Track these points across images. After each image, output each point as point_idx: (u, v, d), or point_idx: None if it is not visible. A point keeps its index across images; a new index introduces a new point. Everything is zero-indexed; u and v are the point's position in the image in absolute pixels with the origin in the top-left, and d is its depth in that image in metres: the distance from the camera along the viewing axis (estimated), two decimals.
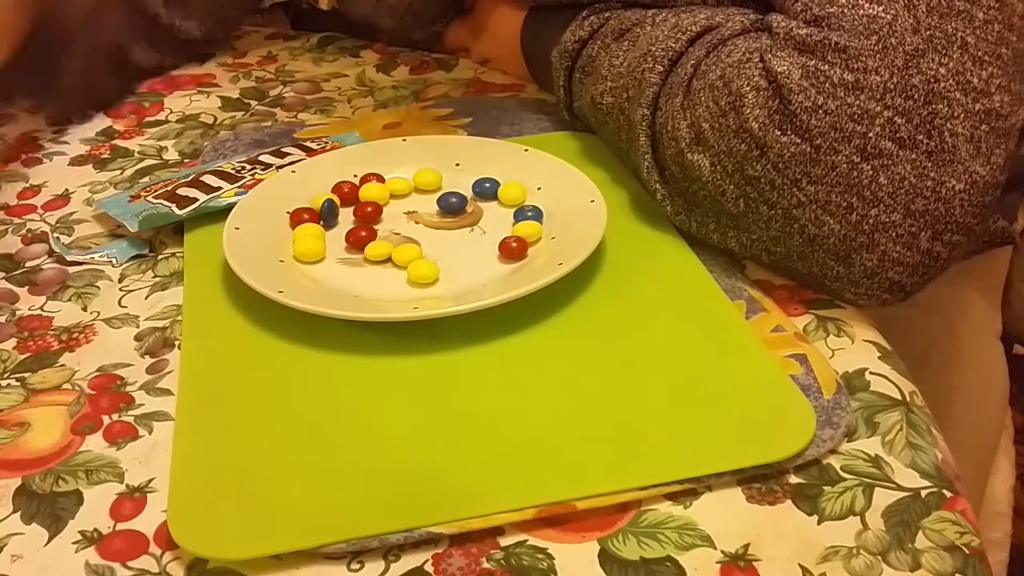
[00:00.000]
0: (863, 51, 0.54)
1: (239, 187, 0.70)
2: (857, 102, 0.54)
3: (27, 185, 0.78)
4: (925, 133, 0.54)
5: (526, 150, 0.72)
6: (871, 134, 0.54)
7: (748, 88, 0.58)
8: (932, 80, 0.54)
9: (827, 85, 0.55)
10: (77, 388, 0.57)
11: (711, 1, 0.68)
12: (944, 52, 0.54)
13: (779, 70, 0.56)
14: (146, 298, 0.64)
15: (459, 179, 0.71)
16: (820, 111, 0.55)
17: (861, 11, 0.55)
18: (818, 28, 0.56)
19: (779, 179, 0.57)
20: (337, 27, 1.01)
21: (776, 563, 0.46)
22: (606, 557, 0.47)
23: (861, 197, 0.55)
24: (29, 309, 0.64)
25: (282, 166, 0.72)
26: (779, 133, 0.56)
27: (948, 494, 0.50)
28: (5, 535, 0.49)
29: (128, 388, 0.57)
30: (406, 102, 0.88)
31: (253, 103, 0.89)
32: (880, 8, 0.55)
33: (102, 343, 0.61)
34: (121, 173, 0.79)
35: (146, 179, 0.77)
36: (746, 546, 0.47)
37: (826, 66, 0.55)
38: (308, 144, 0.76)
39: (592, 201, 0.66)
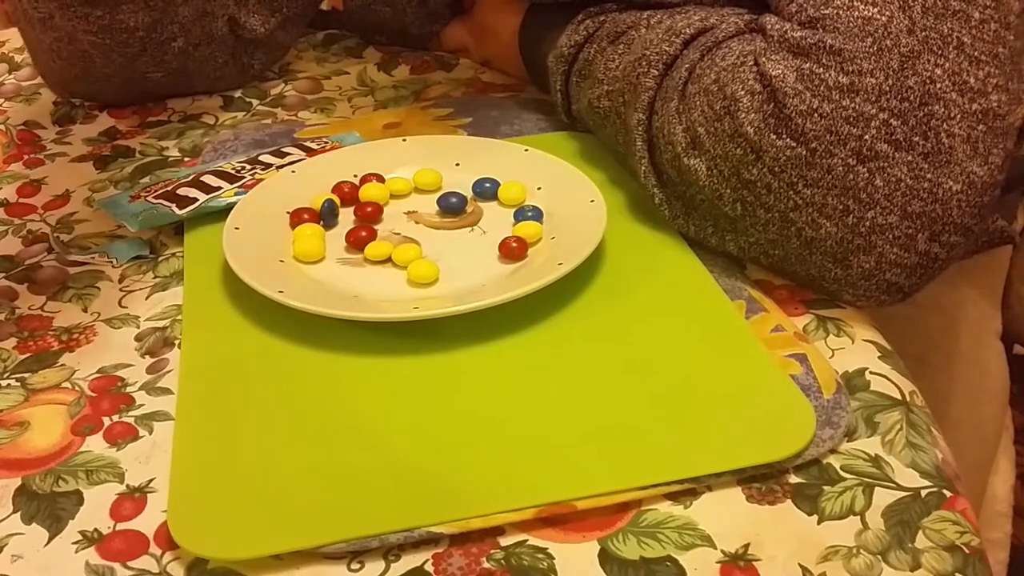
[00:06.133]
0: (858, 53, 0.54)
1: (239, 187, 0.70)
2: (852, 105, 0.54)
3: (27, 182, 0.78)
4: (921, 135, 0.54)
5: (526, 150, 0.72)
6: (867, 137, 0.54)
7: (743, 92, 0.58)
8: (928, 81, 0.54)
9: (822, 88, 0.55)
10: (77, 388, 0.57)
11: (706, 1, 0.68)
12: (940, 53, 0.54)
13: (773, 73, 0.56)
14: (146, 299, 0.64)
15: (459, 179, 0.71)
16: (815, 114, 0.55)
17: (856, 13, 0.55)
18: (812, 30, 0.56)
19: (775, 183, 0.57)
20: (337, 24, 1.01)
21: (776, 563, 0.46)
22: (606, 557, 0.47)
23: (857, 200, 0.55)
24: (29, 308, 0.64)
25: (282, 166, 0.72)
26: (774, 137, 0.56)
27: (948, 494, 0.50)
28: (5, 535, 0.49)
29: (128, 389, 0.57)
30: (406, 102, 0.88)
31: (255, 102, 0.89)
32: (875, 10, 0.54)
33: (102, 343, 0.61)
34: (121, 171, 0.79)
35: (146, 179, 0.77)
36: (746, 546, 0.47)
37: (821, 69, 0.55)
38: (308, 144, 0.76)
39: (592, 201, 0.66)
